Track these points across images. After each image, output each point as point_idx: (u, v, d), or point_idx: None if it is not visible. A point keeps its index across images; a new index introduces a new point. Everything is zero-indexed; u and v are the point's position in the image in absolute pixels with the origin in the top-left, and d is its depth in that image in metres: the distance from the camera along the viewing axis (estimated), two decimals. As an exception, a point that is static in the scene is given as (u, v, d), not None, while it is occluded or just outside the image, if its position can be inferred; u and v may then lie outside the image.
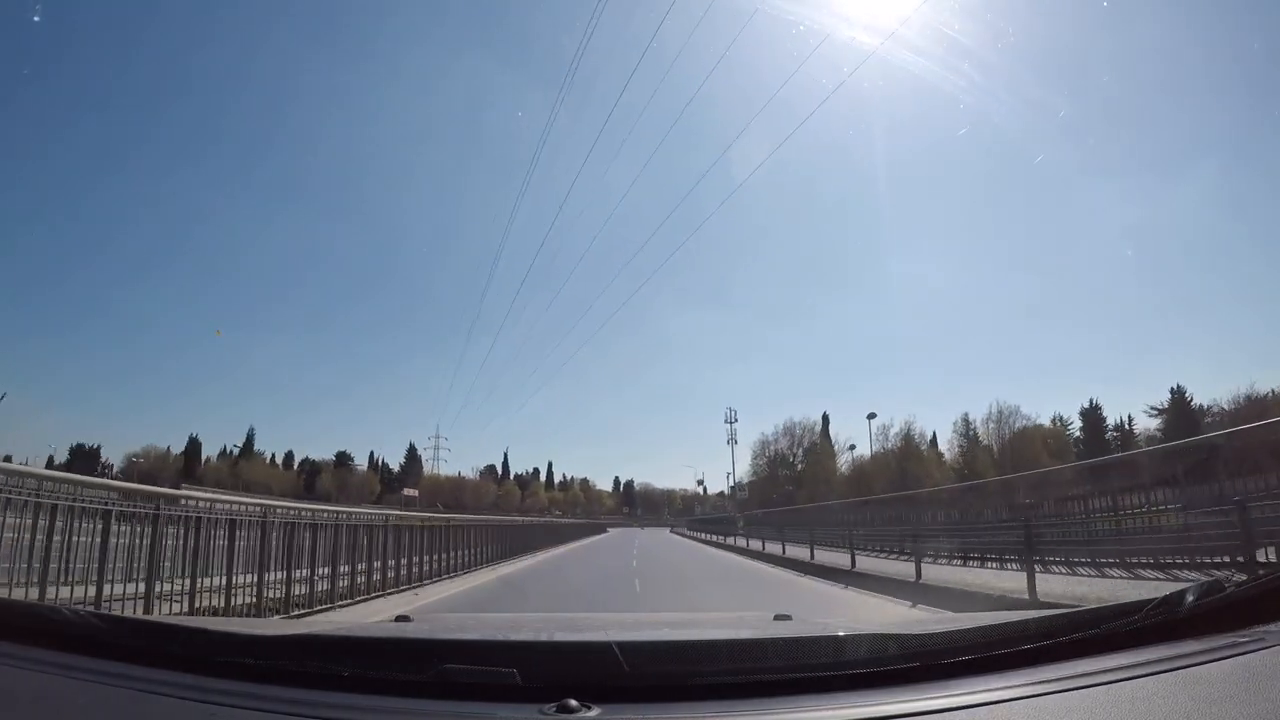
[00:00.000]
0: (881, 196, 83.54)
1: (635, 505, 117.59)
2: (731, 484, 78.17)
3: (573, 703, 0.90)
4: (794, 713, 0.91)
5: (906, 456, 61.23)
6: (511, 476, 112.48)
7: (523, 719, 0.90)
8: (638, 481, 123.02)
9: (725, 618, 3.17)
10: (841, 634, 1.13)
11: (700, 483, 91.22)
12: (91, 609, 5.38)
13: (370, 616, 8.13)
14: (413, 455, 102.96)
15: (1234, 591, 1.07)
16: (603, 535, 54.11)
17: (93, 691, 0.97)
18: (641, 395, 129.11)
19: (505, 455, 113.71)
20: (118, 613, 6.05)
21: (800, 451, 78.74)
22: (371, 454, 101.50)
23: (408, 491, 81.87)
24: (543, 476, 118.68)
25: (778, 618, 1.77)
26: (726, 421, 74.39)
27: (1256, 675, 0.90)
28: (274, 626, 2.41)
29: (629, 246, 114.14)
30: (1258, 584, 1.08)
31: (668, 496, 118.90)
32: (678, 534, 60.59)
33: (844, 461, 72.91)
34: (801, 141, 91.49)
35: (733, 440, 73.80)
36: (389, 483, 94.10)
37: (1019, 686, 0.93)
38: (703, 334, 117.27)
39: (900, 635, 1.10)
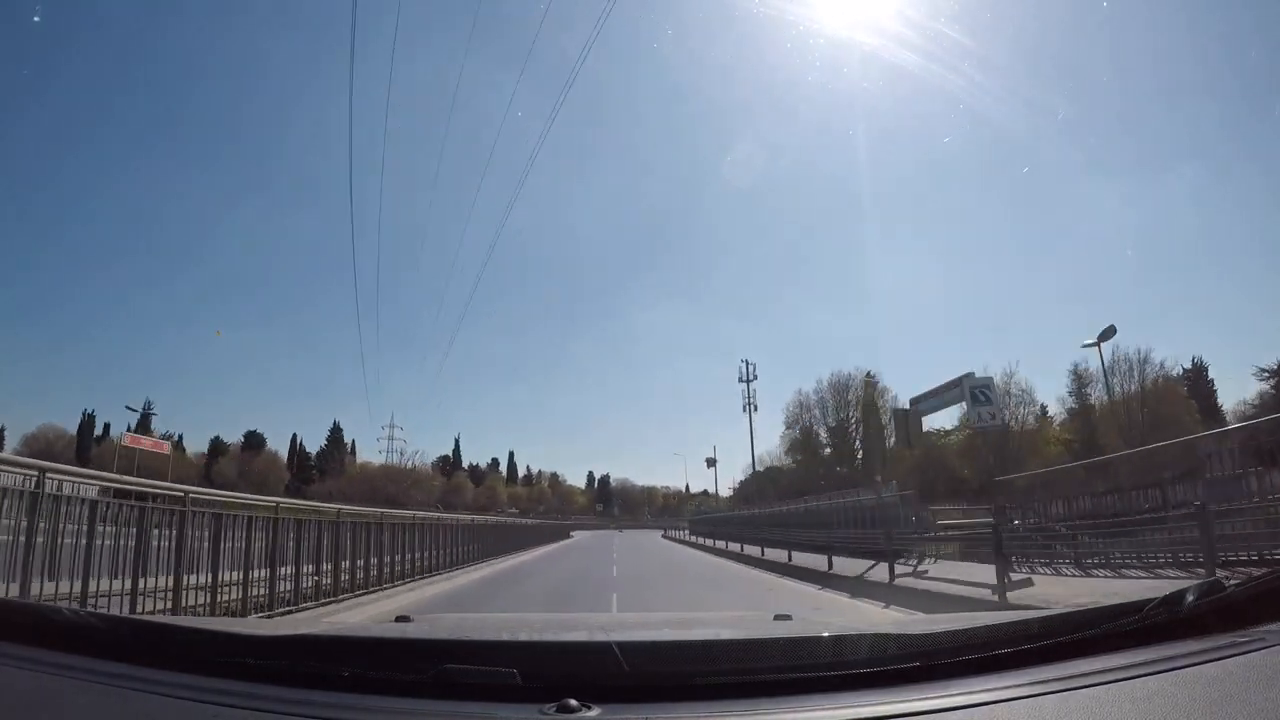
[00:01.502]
0: (870, 188, 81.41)
1: (611, 503, 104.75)
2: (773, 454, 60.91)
3: (573, 703, 0.90)
4: (795, 712, 0.91)
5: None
6: (465, 467, 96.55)
7: (523, 719, 0.90)
8: (614, 477, 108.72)
9: (726, 617, 3.18)
10: (841, 634, 1.13)
11: (711, 463, 64.31)
12: (90, 609, 5.44)
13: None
14: (336, 438, 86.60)
15: (1234, 591, 1.07)
16: (563, 543, 37.80)
17: (93, 691, 0.97)
18: (620, 386, 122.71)
19: (457, 442, 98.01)
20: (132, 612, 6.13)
21: (854, 418, 57.42)
22: (294, 436, 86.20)
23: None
24: (503, 469, 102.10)
25: (778, 617, 1.77)
26: (742, 380, 52.11)
27: (1257, 675, 0.90)
28: (274, 626, 2.41)
29: (604, 228, 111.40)
30: (1258, 584, 1.08)
31: (648, 494, 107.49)
32: (676, 540, 43.40)
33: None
34: (796, 137, 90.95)
35: (750, 405, 51.27)
36: (306, 469, 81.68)
37: (1019, 686, 0.93)
38: (683, 326, 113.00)
39: (900, 635, 1.10)
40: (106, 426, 75.10)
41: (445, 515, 19.58)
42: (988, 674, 0.99)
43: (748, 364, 52.87)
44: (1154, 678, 0.92)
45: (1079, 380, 46.21)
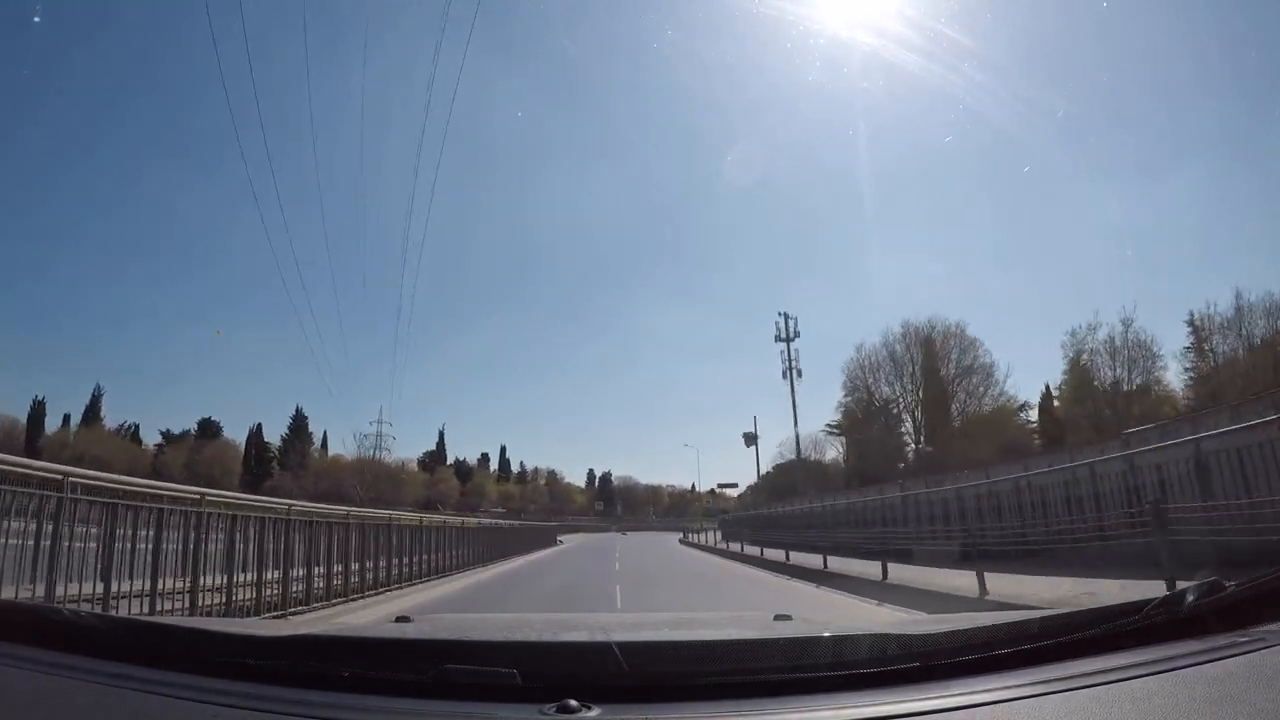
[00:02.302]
0: (872, 193, 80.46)
1: (613, 503, 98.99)
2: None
3: (573, 703, 0.90)
4: (795, 713, 0.91)
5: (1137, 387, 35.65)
6: (449, 462, 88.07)
7: (523, 719, 0.90)
8: (616, 475, 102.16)
9: (726, 618, 3.18)
10: (842, 634, 1.13)
11: (751, 439, 45.59)
12: (90, 609, 5.48)
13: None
14: (299, 427, 76.68)
15: (1234, 591, 1.07)
16: (542, 554, 27.80)
17: (93, 691, 0.97)
18: (622, 383, 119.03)
19: (441, 435, 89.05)
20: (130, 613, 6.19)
21: (914, 387, 45.13)
22: (259, 425, 76.98)
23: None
24: (494, 465, 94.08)
25: (778, 618, 1.77)
26: (779, 339, 40.47)
27: (1257, 675, 0.90)
28: (274, 627, 2.41)
29: (606, 225, 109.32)
30: (1258, 584, 1.08)
31: (653, 493, 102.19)
32: (705, 549, 31.86)
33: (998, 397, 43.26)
34: (797, 136, 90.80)
35: (791, 369, 39.82)
36: (265, 461, 73.64)
37: (1019, 686, 0.93)
38: (686, 323, 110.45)
39: (900, 635, 1.10)
40: (66, 417, 71.02)
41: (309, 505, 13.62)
42: (988, 674, 0.99)
43: (786, 318, 40.73)
44: (1154, 678, 0.92)
45: (1197, 333, 36.58)
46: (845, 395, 49.13)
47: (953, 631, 1.11)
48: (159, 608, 6.63)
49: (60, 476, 5.95)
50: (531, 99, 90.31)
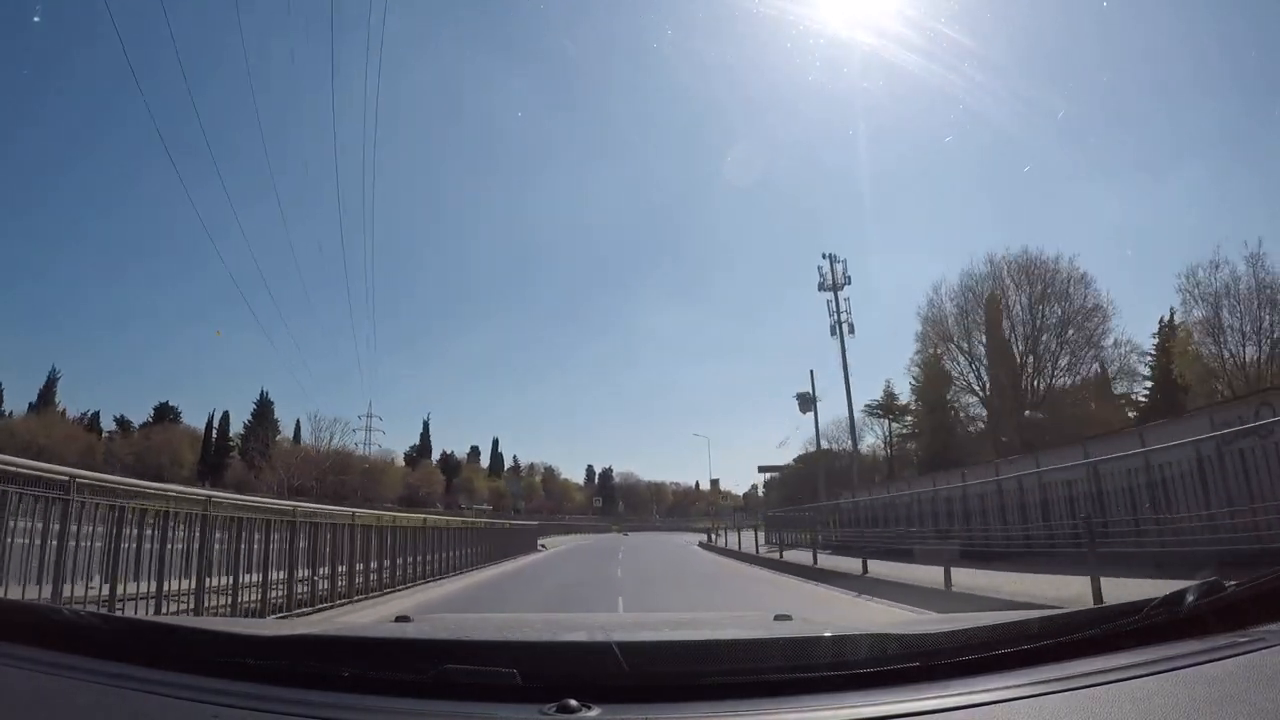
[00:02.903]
0: (871, 193, 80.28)
1: (614, 501, 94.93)
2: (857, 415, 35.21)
3: (573, 703, 0.90)
4: (795, 712, 0.91)
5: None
6: (434, 456, 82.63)
7: (523, 719, 0.90)
8: (617, 471, 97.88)
9: (726, 618, 3.17)
10: (842, 634, 1.13)
11: (807, 404, 35.46)
12: (92, 609, 5.50)
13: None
14: (262, 414, 69.79)
15: (1234, 591, 1.07)
16: (492, 572, 17.94)
17: (93, 691, 0.97)
18: (623, 382, 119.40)
19: (426, 426, 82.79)
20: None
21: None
22: (225, 413, 70.89)
23: None
24: (486, 460, 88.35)
25: (778, 618, 1.77)
26: (824, 289, 32.71)
27: (1257, 675, 0.90)
28: (274, 627, 2.41)
29: (607, 224, 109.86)
30: (1258, 584, 1.08)
31: (656, 491, 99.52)
32: (755, 563, 20.61)
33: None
34: (797, 136, 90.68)
35: (841, 324, 31.92)
36: (224, 452, 68.52)
37: (1019, 686, 0.93)
38: (685, 323, 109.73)
39: (901, 635, 1.10)
40: (31, 405, 65.58)
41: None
42: (988, 674, 0.99)
43: (833, 261, 32.49)
44: (1154, 678, 0.92)
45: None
46: (917, 352, 39.20)
47: (952, 631, 1.11)
48: (164, 609, 6.69)
49: (67, 478, 6.02)
50: (531, 99, 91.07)
